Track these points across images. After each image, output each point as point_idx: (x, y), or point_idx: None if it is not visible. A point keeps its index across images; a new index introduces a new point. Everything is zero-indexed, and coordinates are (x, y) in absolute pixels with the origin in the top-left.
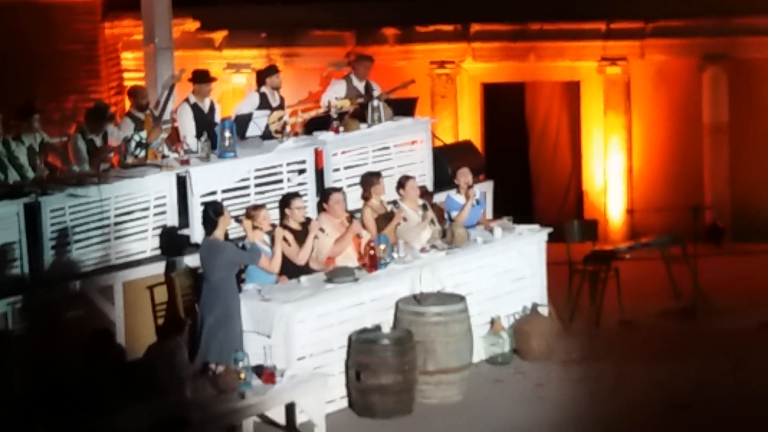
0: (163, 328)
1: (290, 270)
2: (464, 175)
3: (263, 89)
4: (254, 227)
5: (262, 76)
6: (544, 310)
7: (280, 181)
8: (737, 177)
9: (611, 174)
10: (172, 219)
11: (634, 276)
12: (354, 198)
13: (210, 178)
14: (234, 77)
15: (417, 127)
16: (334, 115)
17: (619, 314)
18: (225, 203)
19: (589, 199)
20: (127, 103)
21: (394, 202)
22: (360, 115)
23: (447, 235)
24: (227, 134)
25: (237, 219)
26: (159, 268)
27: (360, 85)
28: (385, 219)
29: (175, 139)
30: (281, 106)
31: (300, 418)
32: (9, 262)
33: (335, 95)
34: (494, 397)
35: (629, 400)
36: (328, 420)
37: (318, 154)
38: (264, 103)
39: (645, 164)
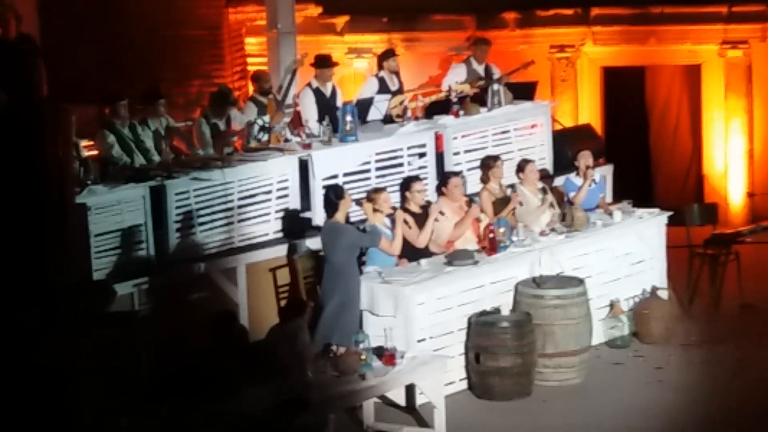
0: (285, 310)
1: (410, 253)
2: (585, 158)
3: (381, 74)
4: (375, 210)
5: (380, 60)
6: (663, 294)
7: (401, 164)
8: None
9: (732, 157)
10: (294, 202)
11: (755, 259)
12: (474, 181)
13: (331, 162)
14: (355, 62)
15: (537, 110)
16: (454, 99)
17: (740, 298)
18: (346, 186)
19: (710, 183)
20: (251, 88)
21: (512, 186)
22: (480, 99)
23: (566, 218)
24: (348, 118)
25: (358, 202)
26: (281, 250)
27: (480, 68)
28: (502, 203)
29: (297, 123)
30: (400, 90)
31: (420, 400)
32: (135, 245)
33: (456, 79)
34: (613, 380)
35: (750, 383)
36: (447, 402)
37: (438, 138)
38: (383, 87)
39: (766, 147)
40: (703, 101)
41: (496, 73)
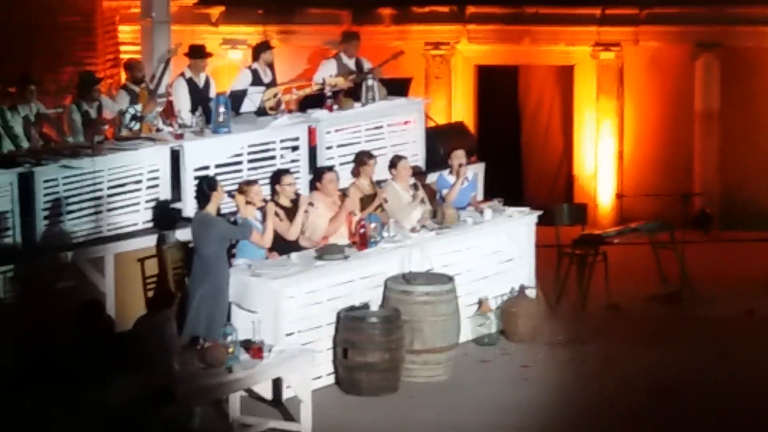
0: (153, 301)
1: (281, 246)
2: (458, 157)
3: (255, 66)
4: (246, 202)
5: (255, 52)
6: (531, 292)
7: (273, 157)
8: (726, 165)
9: (602, 159)
10: (164, 192)
11: (622, 260)
12: (345, 176)
13: (203, 153)
14: (230, 53)
15: (410, 107)
16: (328, 93)
17: (606, 298)
18: (218, 178)
19: (580, 183)
20: (123, 76)
21: (378, 183)
22: (354, 93)
23: (437, 215)
24: (222, 109)
25: (230, 194)
26: (150, 241)
27: (350, 63)
28: (370, 200)
29: (169, 113)
30: (273, 83)
31: (287, 394)
32: (2, 231)
33: (326, 74)
34: (480, 377)
35: (614, 383)
36: (314, 396)
37: (311, 132)
38: (256, 80)
39: (636, 150)
40: (575, 102)
41: (368, 66)
